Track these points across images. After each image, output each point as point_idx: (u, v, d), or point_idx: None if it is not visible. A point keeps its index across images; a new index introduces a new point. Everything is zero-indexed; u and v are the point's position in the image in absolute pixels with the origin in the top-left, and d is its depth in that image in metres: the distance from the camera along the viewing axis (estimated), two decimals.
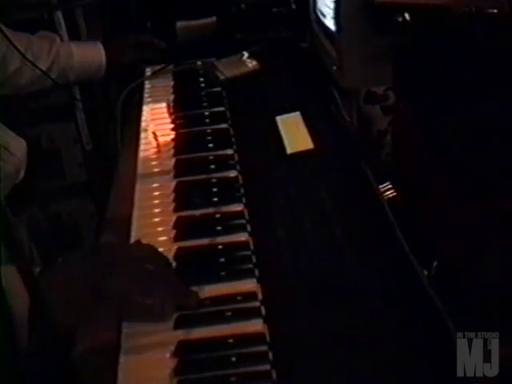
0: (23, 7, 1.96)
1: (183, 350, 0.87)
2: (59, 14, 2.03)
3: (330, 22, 1.40)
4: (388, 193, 1.11)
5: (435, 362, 0.83)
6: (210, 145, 1.35)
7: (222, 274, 0.99)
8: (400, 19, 1.02)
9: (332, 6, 1.33)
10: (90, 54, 1.75)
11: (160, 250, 1.01)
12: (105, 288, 0.91)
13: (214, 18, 1.94)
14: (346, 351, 0.85)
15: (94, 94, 2.17)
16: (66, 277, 0.94)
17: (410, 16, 1.02)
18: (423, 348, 0.84)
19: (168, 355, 0.86)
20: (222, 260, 1.01)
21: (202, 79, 1.71)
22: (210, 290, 0.96)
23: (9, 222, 0.55)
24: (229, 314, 0.91)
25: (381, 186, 1.13)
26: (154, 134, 1.43)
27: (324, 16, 1.47)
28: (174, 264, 1.01)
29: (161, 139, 1.41)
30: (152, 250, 1.00)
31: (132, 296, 0.92)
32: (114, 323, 0.93)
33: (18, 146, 1.35)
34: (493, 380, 0.82)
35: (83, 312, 0.92)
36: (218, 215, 1.13)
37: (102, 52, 1.75)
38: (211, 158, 1.30)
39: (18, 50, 1.50)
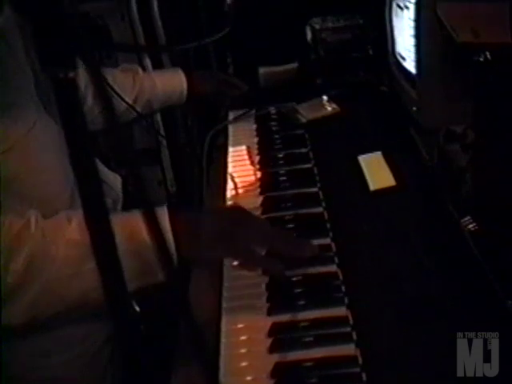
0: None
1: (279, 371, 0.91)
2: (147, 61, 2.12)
3: (410, 65, 1.45)
4: (470, 226, 1.14)
5: None
6: (295, 183, 1.40)
7: (314, 301, 1.03)
8: (481, 59, 1.05)
9: (413, 49, 1.38)
10: (172, 81, 1.80)
11: None
12: (233, 235, 1.05)
13: (295, 64, 2.01)
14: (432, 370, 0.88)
15: (178, 137, 2.25)
16: (199, 220, 1.07)
17: (491, 55, 1.04)
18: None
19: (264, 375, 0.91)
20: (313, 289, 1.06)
21: (283, 122, 1.76)
22: (303, 316, 1.00)
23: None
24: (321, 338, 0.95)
25: (462, 220, 1.15)
26: (239, 175, 1.48)
27: (404, 59, 1.52)
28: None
29: (247, 179, 1.46)
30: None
31: (254, 245, 1.07)
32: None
33: (115, 181, 1.41)
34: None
35: (209, 250, 1.05)
36: None
37: (183, 78, 1.79)
38: (297, 195, 1.35)
39: (110, 86, 1.54)
